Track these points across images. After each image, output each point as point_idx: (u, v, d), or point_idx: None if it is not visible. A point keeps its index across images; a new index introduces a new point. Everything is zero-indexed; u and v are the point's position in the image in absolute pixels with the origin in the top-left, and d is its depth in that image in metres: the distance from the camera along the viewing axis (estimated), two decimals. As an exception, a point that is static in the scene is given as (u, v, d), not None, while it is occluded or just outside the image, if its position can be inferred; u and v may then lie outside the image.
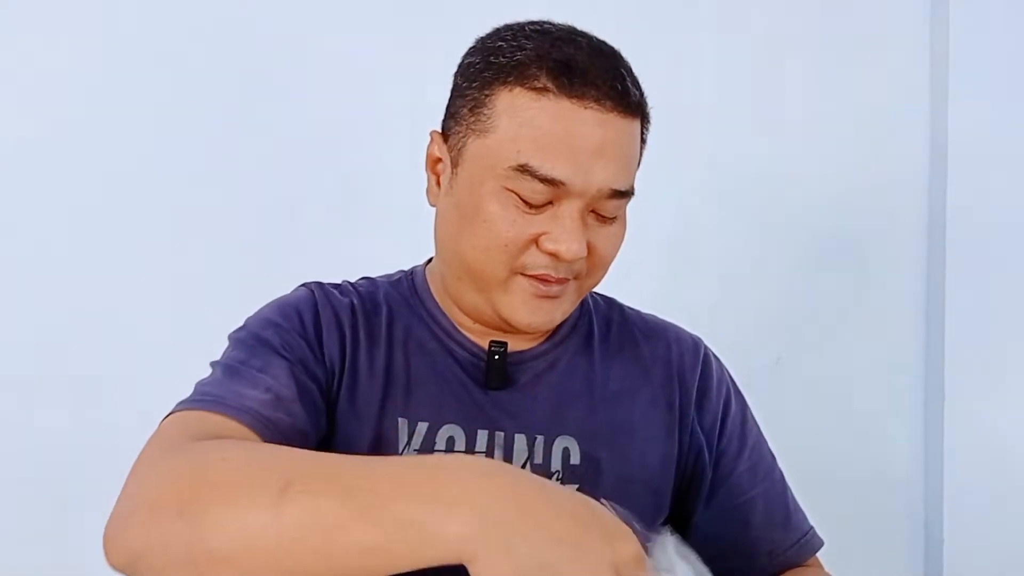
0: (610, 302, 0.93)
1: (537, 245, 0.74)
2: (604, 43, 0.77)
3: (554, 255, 0.73)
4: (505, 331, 0.82)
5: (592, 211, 0.75)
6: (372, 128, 1.41)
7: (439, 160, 0.80)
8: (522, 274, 0.75)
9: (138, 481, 0.57)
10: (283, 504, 0.48)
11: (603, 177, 0.72)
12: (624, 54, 0.78)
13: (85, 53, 1.36)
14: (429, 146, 0.81)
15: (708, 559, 0.87)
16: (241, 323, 0.80)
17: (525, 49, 0.73)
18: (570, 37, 0.75)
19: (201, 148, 1.39)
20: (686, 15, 1.53)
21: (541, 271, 0.74)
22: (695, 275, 1.53)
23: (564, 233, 0.72)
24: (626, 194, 0.75)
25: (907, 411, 1.57)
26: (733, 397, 0.90)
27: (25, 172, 1.34)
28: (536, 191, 0.72)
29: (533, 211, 0.73)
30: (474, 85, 0.75)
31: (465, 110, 0.76)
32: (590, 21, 0.79)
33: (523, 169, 0.71)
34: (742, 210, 1.54)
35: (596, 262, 0.78)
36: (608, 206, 0.75)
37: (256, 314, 0.81)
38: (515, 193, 0.72)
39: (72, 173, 1.36)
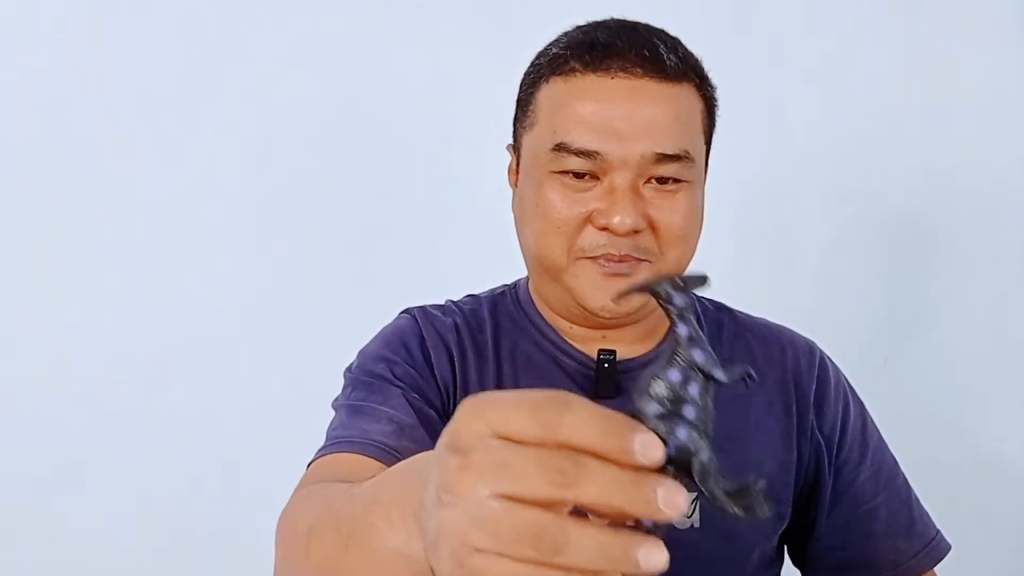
0: (719, 306, 0.91)
1: (592, 223, 0.74)
2: (642, 23, 0.78)
3: (607, 229, 0.73)
4: (603, 327, 0.81)
5: (648, 181, 0.74)
6: (462, 143, 1.42)
7: (512, 169, 0.84)
8: (584, 258, 0.75)
9: (281, 516, 0.64)
10: (310, 548, 0.53)
11: (643, 143, 0.72)
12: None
13: (199, 76, 1.42)
14: (510, 161, 0.85)
15: (830, 570, 0.86)
16: (354, 357, 0.83)
17: (560, 44, 0.77)
18: (602, 22, 0.77)
19: (298, 169, 1.43)
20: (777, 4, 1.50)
21: (601, 251, 0.74)
22: (793, 275, 1.49)
23: (613, 206, 0.72)
24: (677, 158, 0.74)
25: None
26: (852, 402, 0.87)
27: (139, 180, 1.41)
28: (577, 166, 0.73)
29: (583, 191, 0.74)
30: (524, 88, 0.81)
31: (519, 112, 0.82)
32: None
33: (560, 148, 0.74)
34: (843, 207, 1.49)
35: (666, 239, 0.76)
36: (661, 170, 0.74)
37: (365, 350, 0.83)
38: (561, 174, 0.74)
39: (173, 190, 1.41)
